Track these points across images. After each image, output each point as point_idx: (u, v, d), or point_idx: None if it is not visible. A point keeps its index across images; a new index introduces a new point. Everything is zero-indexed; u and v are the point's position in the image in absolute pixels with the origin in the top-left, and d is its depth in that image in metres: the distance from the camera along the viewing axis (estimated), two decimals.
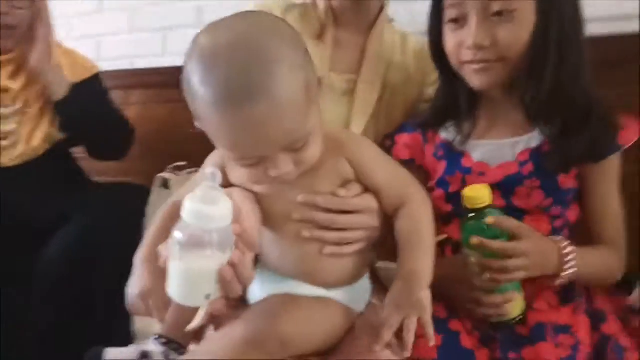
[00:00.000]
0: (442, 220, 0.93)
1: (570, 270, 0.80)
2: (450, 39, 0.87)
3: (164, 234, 0.71)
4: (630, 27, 1.22)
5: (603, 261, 0.86)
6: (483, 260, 0.77)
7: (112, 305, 1.12)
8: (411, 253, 0.75)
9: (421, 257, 0.74)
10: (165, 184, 1.26)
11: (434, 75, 1.08)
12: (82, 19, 1.92)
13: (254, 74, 0.61)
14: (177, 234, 0.60)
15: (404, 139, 0.99)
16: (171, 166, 1.09)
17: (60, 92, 1.36)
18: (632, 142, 0.86)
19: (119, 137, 1.50)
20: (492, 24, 0.82)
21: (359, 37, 1.08)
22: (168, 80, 1.70)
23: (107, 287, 1.13)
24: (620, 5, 1.23)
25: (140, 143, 1.58)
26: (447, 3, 0.87)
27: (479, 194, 0.78)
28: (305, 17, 1.08)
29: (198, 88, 0.63)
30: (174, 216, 0.63)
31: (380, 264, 1.02)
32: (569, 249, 0.81)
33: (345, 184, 0.77)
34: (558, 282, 0.81)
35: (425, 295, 0.71)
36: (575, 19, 0.85)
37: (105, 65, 1.64)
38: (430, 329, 0.69)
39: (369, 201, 0.79)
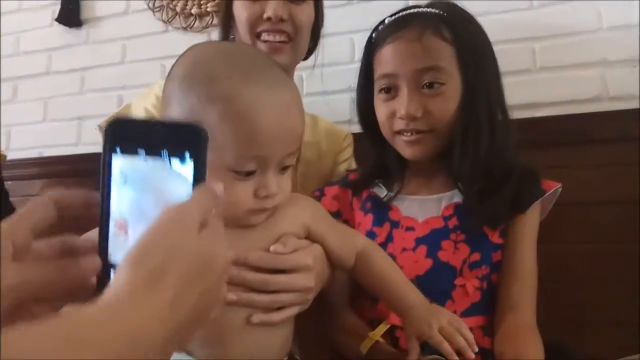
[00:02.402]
0: (368, 299, 0.87)
1: None
2: (382, 109, 0.88)
3: None
4: None
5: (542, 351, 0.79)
6: None
7: None
8: (401, 284, 0.73)
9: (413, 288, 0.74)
10: None
11: (344, 154, 1.14)
12: None
13: (274, 68, 0.66)
14: None
15: (333, 191, 0.98)
16: None
17: None
18: (554, 189, 0.87)
19: None
20: (422, 96, 0.83)
21: None
22: (75, 169, 1.62)
23: None
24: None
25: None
26: (378, 74, 0.89)
27: None
28: None
29: (214, 69, 0.62)
30: None
31: None
32: None
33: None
34: None
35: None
36: (498, 89, 0.88)
37: (14, 155, 1.58)
38: (469, 334, 0.65)
39: (305, 258, 0.70)
